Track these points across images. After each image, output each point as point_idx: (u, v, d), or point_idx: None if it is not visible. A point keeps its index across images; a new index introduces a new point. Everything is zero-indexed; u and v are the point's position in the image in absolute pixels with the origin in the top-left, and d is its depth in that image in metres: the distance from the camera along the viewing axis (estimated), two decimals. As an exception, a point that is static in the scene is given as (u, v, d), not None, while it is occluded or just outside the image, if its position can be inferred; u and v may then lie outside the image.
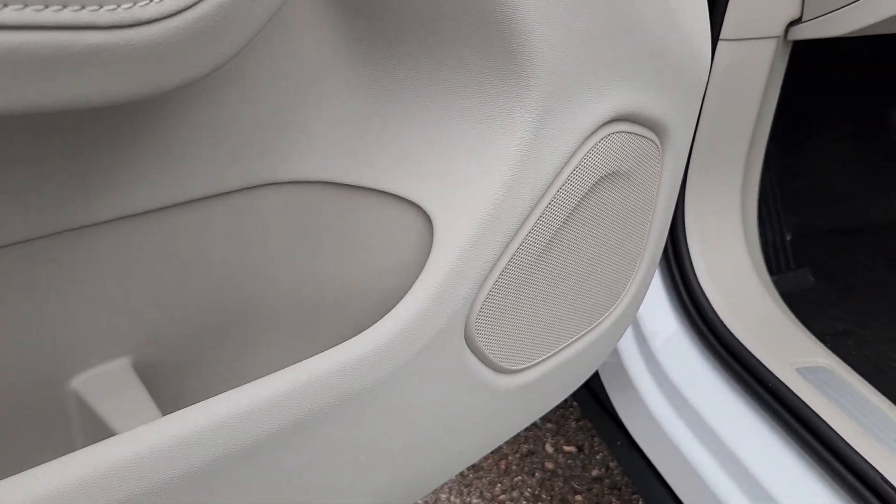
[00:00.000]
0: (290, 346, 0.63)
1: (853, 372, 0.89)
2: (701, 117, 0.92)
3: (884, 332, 1.12)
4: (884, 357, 1.07)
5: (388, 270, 0.54)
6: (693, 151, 0.94)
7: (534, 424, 1.37)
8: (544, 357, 0.62)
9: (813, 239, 1.28)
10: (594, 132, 0.55)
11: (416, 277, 0.49)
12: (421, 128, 0.53)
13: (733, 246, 1.03)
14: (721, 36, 0.88)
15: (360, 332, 0.47)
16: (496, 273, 0.51)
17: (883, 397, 0.85)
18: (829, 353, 0.93)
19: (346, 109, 0.55)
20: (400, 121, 0.53)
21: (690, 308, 0.97)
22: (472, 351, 0.54)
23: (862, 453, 0.74)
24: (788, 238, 1.24)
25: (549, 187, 0.53)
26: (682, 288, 0.97)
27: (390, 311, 0.47)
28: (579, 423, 1.38)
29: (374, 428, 0.51)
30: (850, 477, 0.74)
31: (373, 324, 0.47)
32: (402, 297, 0.48)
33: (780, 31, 0.90)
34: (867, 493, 0.72)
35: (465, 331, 0.52)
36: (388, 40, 0.52)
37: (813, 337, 0.96)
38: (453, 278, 0.48)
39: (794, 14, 0.89)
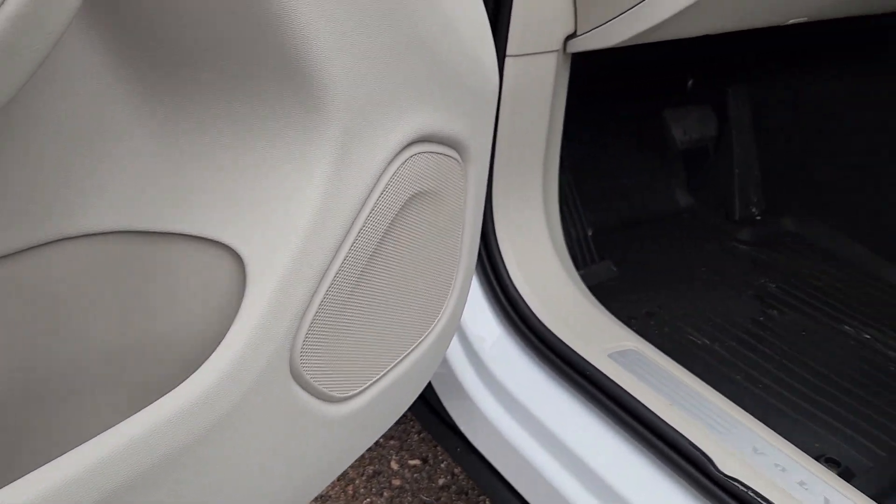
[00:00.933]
0: (109, 406, 0.59)
1: (657, 350, 0.98)
2: (498, 130, 0.97)
3: (679, 311, 1.24)
4: (681, 332, 1.19)
5: (205, 317, 0.52)
6: (494, 163, 1.00)
7: (377, 443, 1.37)
8: (374, 380, 0.62)
9: (610, 233, 1.40)
10: (397, 155, 0.56)
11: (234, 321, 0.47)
12: (223, 167, 0.52)
13: (541, 247, 1.10)
14: (507, 52, 0.93)
15: (180, 384, 0.45)
16: (315, 305, 0.51)
17: (684, 370, 0.94)
18: (636, 335, 1.01)
19: (142, 155, 0.52)
20: (200, 162, 0.52)
21: (509, 310, 1.01)
22: (301, 385, 0.54)
23: (671, 423, 0.82)
24: (590, 234, 1.34)
25: (358, 214, 0.53)
26: (499, 292, 1.02)
27: (209, 358, 0.46)
28: (421, 436, 1.40)
29: (210, 476, 0.49)
30: (663, 446, 0.81)
31: (193, 373, 0.45)
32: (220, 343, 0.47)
33: (558, 45, 0.97)
34: (679, 459, 0.80)
35: (291, 365, 0.52)
36: (181, 79, 0.50)
37: (620, 322, 1.04)
38: (270, 317, 0.48)
39: (570, 29, 0.97)
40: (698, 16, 0.94)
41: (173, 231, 0.52)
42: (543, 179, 1.09)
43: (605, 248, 1.34)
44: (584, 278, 1.16)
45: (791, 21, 1.09)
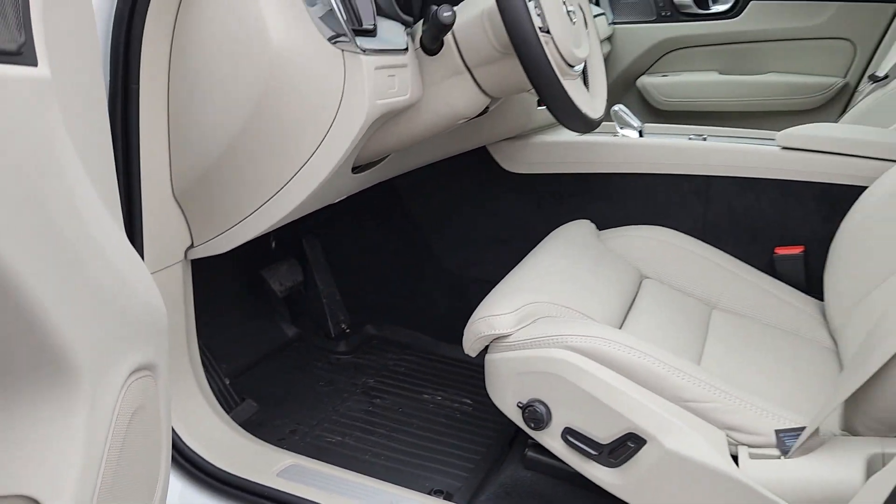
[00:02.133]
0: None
1: (308, 458, 1.33)
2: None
3: (313, 421, 1.61)
4: (320, 438, 1.56)
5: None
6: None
7: None
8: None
9: (244, 375, 1.71)
10: (121, 387, 0.82)
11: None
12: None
13: (199, 406, 1.37)
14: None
15: None
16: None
17: (331, 465, 1.31)
18: (290, 452, 1.35)
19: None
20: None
21: (189, 468, 1.26)
22: None
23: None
24: (227, 382, 1.63)
25: (107, 435, 0.78)
26: (177, 456, 1.27)
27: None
28: None
29: None
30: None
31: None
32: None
33: (181, 256, 1.28)
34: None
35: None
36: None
37: (274, 446, 1.37)
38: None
39: (188, 242, 1.29)
40: (313, 202, 1.29)
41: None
42: (188, 350, 1.36)
43: (245, 390, 1.65)
44: (235, 418, 1.46)
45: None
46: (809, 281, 1.61)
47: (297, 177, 1.19)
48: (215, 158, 1.18)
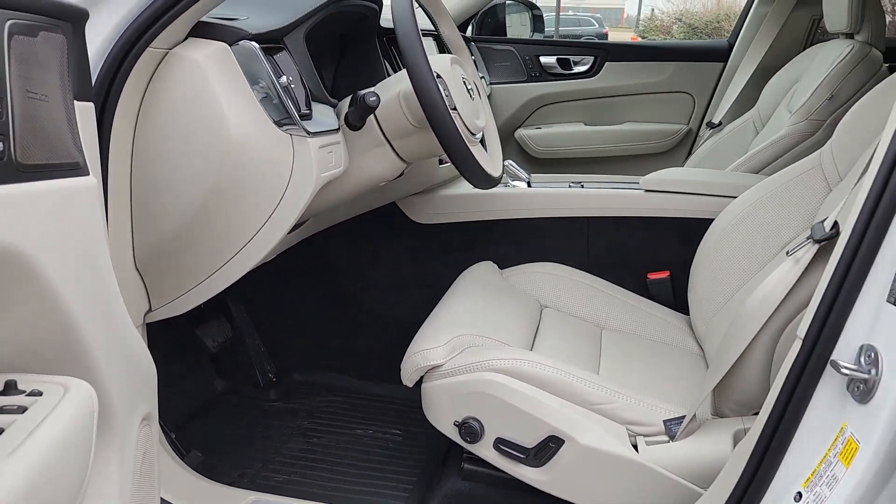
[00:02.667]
0: None
1: (269, 493, 1.47)
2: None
3: (258, 464, 1.74)
4: (268, 478, 1.69)
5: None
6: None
7: None
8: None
9: (187, 427, 1.81)
10: (137, 432, 0.97)
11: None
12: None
13: (160, 454, 1.48)
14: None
15: None
16: None
17: (282, 497, 1.46)
18: (244, 490, 1.48)
19: None
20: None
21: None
22: None
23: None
24: (174, 436, 1.74)
25: (131, 477, 0.92)
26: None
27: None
28: None
29: None
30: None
31: None
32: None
33: (141, 320, 1.41)
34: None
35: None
36: None
37: (230, 487, 1.50)
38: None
39: (146, 308, 1.41)
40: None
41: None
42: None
43: (189, 442, 1.76)
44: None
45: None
46: (676, 299, 1.93)
47: (251, 244, 1.36)
48: (175, 232, 1.33)
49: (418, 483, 1.66)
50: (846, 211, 1.10)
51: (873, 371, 0.92)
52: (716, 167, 2.51)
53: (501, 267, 1.93)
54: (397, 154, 1.56)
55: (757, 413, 1.16)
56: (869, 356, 0.93)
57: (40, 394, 0.72)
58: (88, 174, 0.82)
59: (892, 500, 0.94)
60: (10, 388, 0.73)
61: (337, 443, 1.85)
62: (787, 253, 1.27)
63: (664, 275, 1.94)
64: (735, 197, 1.72)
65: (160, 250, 1.35)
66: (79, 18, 0.84)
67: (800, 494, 1.01)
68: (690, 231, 1.92)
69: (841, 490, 0.94)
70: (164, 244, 1.34)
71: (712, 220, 1.81)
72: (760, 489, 1.10)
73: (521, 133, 3.17)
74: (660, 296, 1.93)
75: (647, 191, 1.97)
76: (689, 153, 3.11)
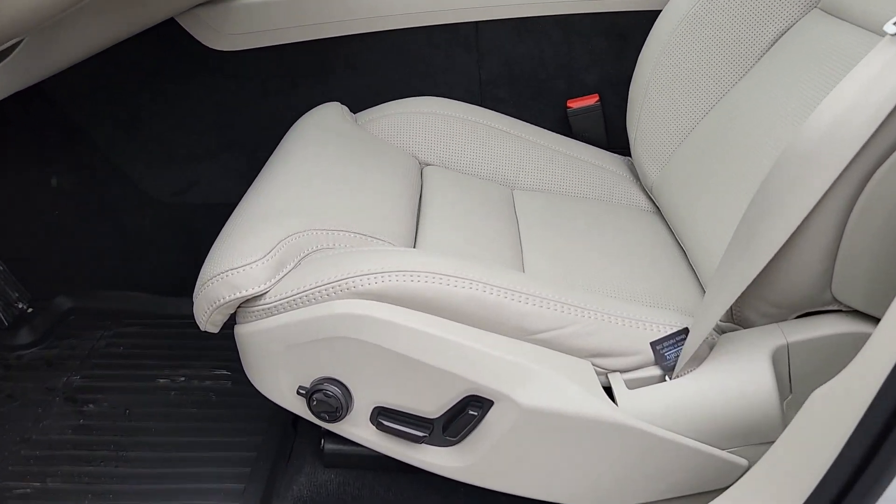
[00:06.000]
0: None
1: None
2: None
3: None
4: (10, 490, 1.02)
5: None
6: None
7: None
8: None
9: None
10: None
11: None
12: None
13: None
14: None
15: None
16: None
17: None
18: None
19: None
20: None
21: None
22: None
23: None
24: None
25: None
26: None
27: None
28: None
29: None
30: None
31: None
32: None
33: None
34: None
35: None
36: None
37: None
38: None
39: None
40: None
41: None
42: None
43: None
44: None
45: None
46: (610, 134, 1.35)
47: None
48: None
49: (259, 467, 1.06)
50: None
51: None
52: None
53: (354, 110, 1.25)
54: None
55: (805, 314, 0.77)
56: None
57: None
58: None
59: None
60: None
61: (127, 406, 1.19)
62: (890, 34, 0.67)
63: (591, 100, 1.33)
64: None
65: None
66: None
67: None
68: (626, 31, 1.31)
69: None
70: None
71: (658, 12, 1.20)
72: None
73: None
74: (586, 131, 1.34)
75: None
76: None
